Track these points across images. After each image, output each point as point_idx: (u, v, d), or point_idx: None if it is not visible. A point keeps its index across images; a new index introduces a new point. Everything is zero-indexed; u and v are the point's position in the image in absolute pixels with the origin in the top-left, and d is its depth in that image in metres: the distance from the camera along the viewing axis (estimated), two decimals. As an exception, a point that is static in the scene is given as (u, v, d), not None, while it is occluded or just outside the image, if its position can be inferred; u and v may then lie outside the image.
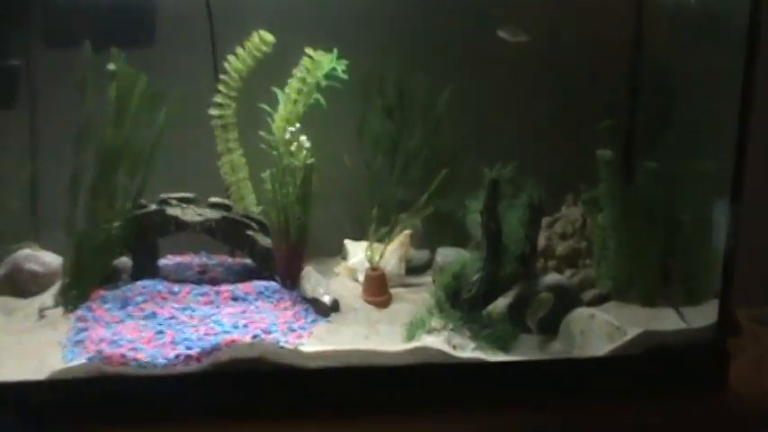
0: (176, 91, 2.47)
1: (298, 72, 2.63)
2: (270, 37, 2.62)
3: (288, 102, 2.62)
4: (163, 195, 2.57)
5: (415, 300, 2.50)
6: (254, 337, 2.13)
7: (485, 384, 2.06)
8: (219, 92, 2.67)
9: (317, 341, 2.18)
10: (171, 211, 2.53)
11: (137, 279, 2.47)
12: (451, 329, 2.16)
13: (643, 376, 2.09)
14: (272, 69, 2.64)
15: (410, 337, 2.18)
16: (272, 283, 2.47)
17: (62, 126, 2.40)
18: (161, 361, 2.01)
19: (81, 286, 2.38)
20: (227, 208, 2.61)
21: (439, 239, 2.75)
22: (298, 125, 2.50)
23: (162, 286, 2.42)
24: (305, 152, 2.44)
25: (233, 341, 2.05)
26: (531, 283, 2.32)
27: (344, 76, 2.62)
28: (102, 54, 2.35)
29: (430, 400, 2.01)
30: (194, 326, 2.22)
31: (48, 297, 2.41)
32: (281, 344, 2.10)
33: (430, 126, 2.77)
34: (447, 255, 2.62)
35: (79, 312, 2.28)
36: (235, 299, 2.40)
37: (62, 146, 2.36)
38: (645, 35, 2.63)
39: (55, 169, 2.45)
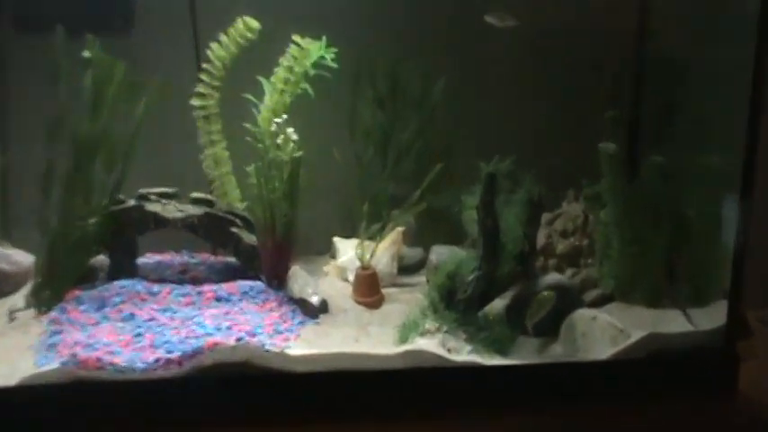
0: (156, 80, 2.46)
1: (284, 60, 2.63)
2: (255, 23, 2.62)
3: (274, 92, 2.62)
4: (142, 190, 2.57)
5: (407, 300, 2.51)
6: (239, 339, 2.13)
7: (481, 390, 2.05)
8: (202, 81, 2.66)
9: (304, 344, 2.18)
10: (150, 206, 2.53)
11: (114, 279, 2.46)
12: (446, 332, 2.15)
13: (648, 381, 2.09)
14: (258, 58, 2.63)
15: (403, 339, 2.18)
16: (258, 283, 2.47)
17: (34, 116, 2.38)
18: (140, 365, 2.00)
19: (54, 286, 2.37)
20: (209, 204, 2.60)
21: (433, 237, 2.76)
22: (284, 116, 2.50)
23: (141, 286, 2.42)
24: (292, 145, 2.44)
25: (216, 344, 2.04)
26: (530, 283, 2.32)
27: (334, 65, 2.62)
28: (77, 40, 2.34)
29: (423, 406, 2.00)
30: (175, 328, 2.21)
31: (19, 298, 2.40)
32: (267, 347, 2.10)
33: (424, 117, 2.76)
34: (441, 253, 2.62)
35: (52, 314, 2.27)
36: (218, 299, 2.39)
37: (34, 137, 2.34)
38: (650, 21, 2.62)
39: (27, 162, 2.43)
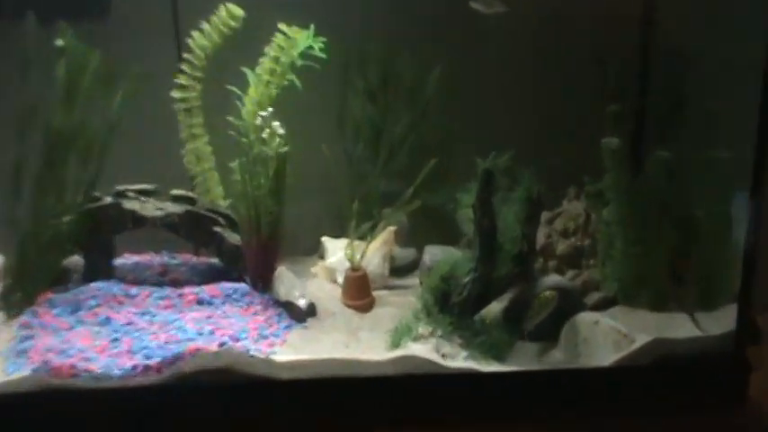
0: (134, 70, 2.44)
1: (270, 50, 2.62)
2: (239, 11, 2.61)
3: (259, 83, 2.61)
4: (119, 187, 2.55)
5: (400, 304, 2.50)
6: (222, 344, 2.13)
7: (477, 398, 2.05)
8: (183, 72, 2.65)
9: (291, 349, 2.17)
10: (128, 204, 2.52)
11: (89, 280, 2.46)
12: (440, 336, 2.15)
13: (653, 389, 2.09)
14: (242, 47, 2.62)
15: (395, 344, 2.17)
16: (242, 285, 2.47)
17: (3, 109, 2.34)
18: (116, 372, 1.99)
19: (25, 289, 2.36)
20: (191, 201, 2.59)
21: (427, 237, 2.75)
22: (270, 109, 2.48)
23: (118, 288, 2.41)
24: (278, 139, 2.42)
25: (197, 349, 2.03)
26: (529, 285, 2.32)
27: (322, 55, 2.61)
28: (49, 28, 2.33)
29: (416, 415, 2.00)
30: (154, 333, 2.21)
31: (-12, 301, 2.39)
32: (252, 352, 2.09)
33: (417, 111, 2.76)
34: (435, 254, 2.62)
35: (23, 318, 2.26)
36: (200, 302, 2.39)
37: (4, 131, 2.31)
38: (656, 10, 2.62)
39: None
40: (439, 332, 2.16)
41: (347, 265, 2.55)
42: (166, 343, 2.13)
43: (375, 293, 2.56)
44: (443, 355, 2.09)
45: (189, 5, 2.66)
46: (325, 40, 2.61)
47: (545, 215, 2.60)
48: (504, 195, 2.26)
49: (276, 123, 2.43)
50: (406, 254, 2.82)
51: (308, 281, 2.65)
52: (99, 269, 2.51)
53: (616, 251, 2.50)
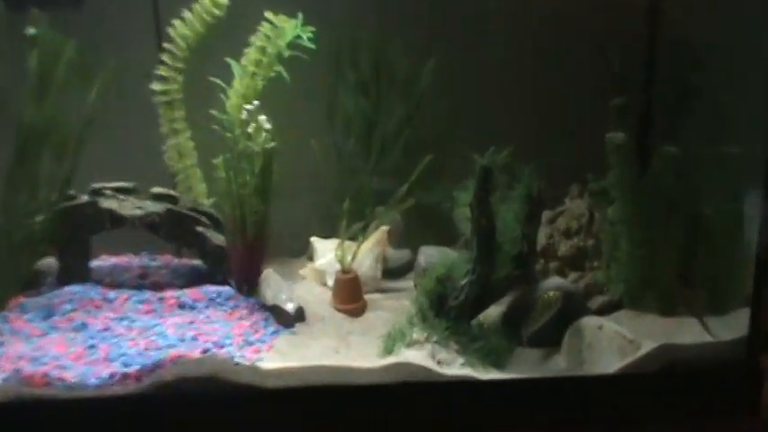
0: (111, 61, 2.43)
1: (256, 40, 2.63)
2: (223, -2, 2.62)
3: (244, 75, 2.62)
4: (96, 185, 2.55)
5: (393, 308, 2.51)
6: (205, 351, 2.12)
7: (475, 406, 2.04)
8: (163, 63, 2.65)
9: (278, 356, 2.17)
10: (105, 203, 2.51)
11: (64, 284, 2.45)
12: (436, 342, 2.14)
13: (660, 397, 2.08)
14: (226, 37, 2.62)
15: (388, 351, 2.17)
16: (226, 288, 2.47)
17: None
18: (92, 381, 1.98)
19: (-4, 292, 2.35)
20: (172, 200, 2.59)
21: (421, 237, 2.76)
22: (256, 103, 2.48)
23: (94, 292, 2.41)
24: (264, 134, 2.43)
25: (179, 357, 2.03)
26: (530, 288, 2.32)
27: (311, 45, 2.61)
28: (20, 15, 2.32)
29: (410, 425, 2.00)
30: (133, 339, 2.20)
31: (-44, 306, 2.38)
32: (237, 359, 2.09)
33: (411, 103, 2.77)
34: (431, 255, 2.62)
35: (-6, 324, 2.26)
36: (182, 307, 2.39)
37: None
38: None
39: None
40: (434, 338, 2.15)
41: (337, 267, 2.54)
42: (146, 350, 2.13)
43: (367, 297, 2.56)
44: (439, 362, 2.08)
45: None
46: (313, 29, 2.61)
47: (546, 214, 2.61)
48: (504, 193, 2.26)
49: (262, 117, 2.43)
50: (399, 255, 2.82)
51: (296, 284, 2.65)
52: (74, 271, 2.51)
53: (621, 252, 2.50)
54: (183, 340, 2.19)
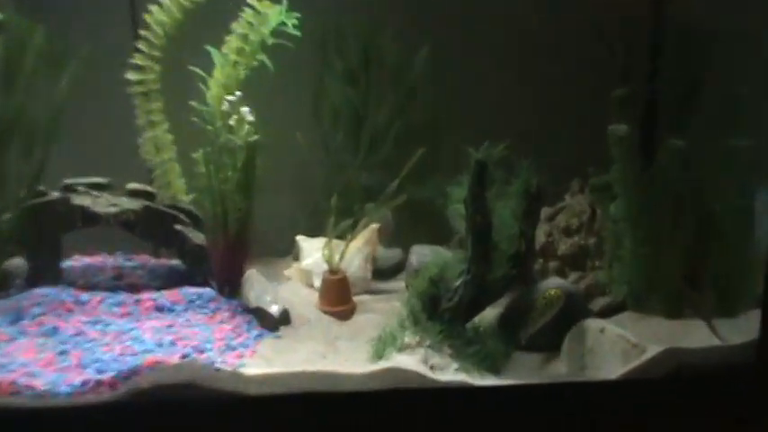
0: (83, 48, 2.43)
1: (238, 27, 2.62)
2: (203, -18, 2.61)
3: (226, 64, 2.61)
4: (68, 181, 2.54)
5: (383, 310, 2.51)
6: (184, 356, 2.12)
7: (470, 414, 2.03)
8: (139, 51, 2.64)
9: (262, 361, 2.16)
10: (78, 199, 2.51)
11: (34, 285, 2.44)
12: (429, 346, 2.14)
13: (665, 404, 2.07)
14: (206, 23, 2.62)
15: (378, 355, 2.16)
16: (207, 290, 2.47)
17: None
18: (64, 389, 1.96)
19: (-39, 295, 2.35)
20: (149, 196, 2.59)
21: (413, 235, 2.76)
22: (238, 93, 2.48)
23: (66, 294, 2.40)
24: (247, 127, 2.43)
25: (157, 362, 2.02)
26: (528, 289, 2.33)
27: (296, 33, 2.60)
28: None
29: (402, 434, 1.99)
30: (107, 344, 2.19)
31: None
32: (218, 365, 2.08)
33: (402, 94, 2.78)
34: (423, 254, 2.63)
35: (-42, 329, 2.25)
36: (159, 309, 2.39)
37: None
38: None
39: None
40: (427, 342, 2.15)
41: (325, 267, 2.54)
42: (121, 355, 2.12)
43: (356, 299, 2.56)
44: (432, 367, 2.08)
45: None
46: (298, 15, 2.60)
47: (545, 211, 2.62)
48: (500, 189, 2.26)
49: (245, 109, 2.43)
50: (390, 254, 2.83)
51: (280, 285, 2.65)
52: (45, 272, 2.50)
53: (624, 251, 2.50)
54: (160, 345, 2.18)
